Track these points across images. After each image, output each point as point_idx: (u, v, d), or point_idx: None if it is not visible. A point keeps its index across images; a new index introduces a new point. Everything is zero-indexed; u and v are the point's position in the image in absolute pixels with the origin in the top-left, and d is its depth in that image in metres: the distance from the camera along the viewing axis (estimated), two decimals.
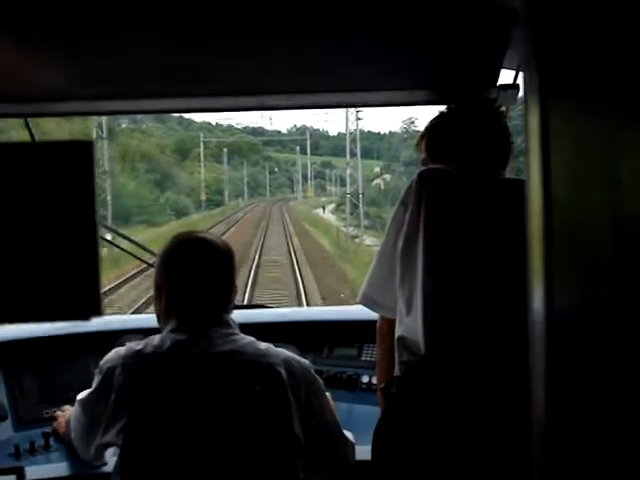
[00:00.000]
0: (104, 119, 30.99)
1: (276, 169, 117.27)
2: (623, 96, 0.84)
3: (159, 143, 68.61)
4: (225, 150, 79.40)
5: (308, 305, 13.52)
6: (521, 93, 2.30)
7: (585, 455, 0.85)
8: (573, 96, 0.84)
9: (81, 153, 0.94)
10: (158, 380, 1.90)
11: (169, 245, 2.05)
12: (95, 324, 3.01)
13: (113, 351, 2.00)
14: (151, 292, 2.26)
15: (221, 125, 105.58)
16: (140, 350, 1.94)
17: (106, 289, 14.72)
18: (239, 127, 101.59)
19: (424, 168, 2.15)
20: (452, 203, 2.04)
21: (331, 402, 2.23)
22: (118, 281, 16.81)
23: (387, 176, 64.80)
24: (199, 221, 40.52)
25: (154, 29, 1.83)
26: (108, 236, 5.35)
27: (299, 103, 2.52)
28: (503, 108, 2.35)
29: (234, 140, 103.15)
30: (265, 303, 9.99)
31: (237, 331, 2.00)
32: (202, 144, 69.01)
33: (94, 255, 0.94)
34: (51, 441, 2.47)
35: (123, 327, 2.88)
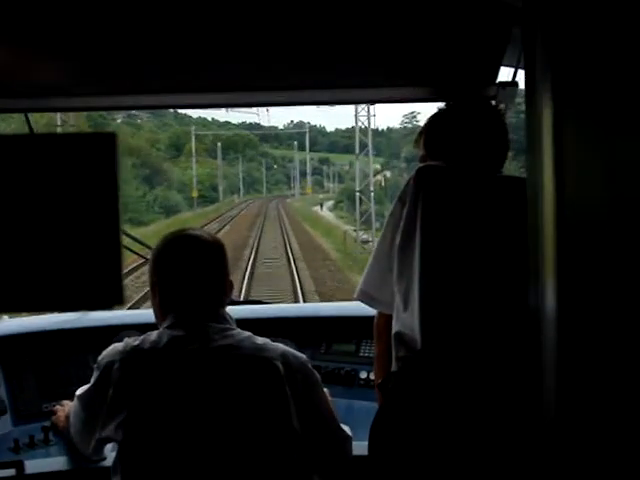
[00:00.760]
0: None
1: (273, 165, 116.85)
2: (627, 93, 0.86)
3: (149, 137, 66.12)
4: (219, 144, 77.77)
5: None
6: (521, 88, 2.32)
7: (594, 448, 0.88)
8: (582, 94, 0.86)
9: (105, 144, 0.97)
10: (156, 375, 1.92)
11: (159, 243, 2.08)
12: (94, 319, 3.05)
13: (111, 346, 2.03)
14: (148, 287, 2.28)
15: (217, 120, 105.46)
16: (138, 345, 1.97)
17: None
18: (235, 123, 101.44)
19: (422, 165, 2.18)
20: (449, 200, 2.06)
21: (329, 397, 2.26)
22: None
23: (387, 173, 63.94)
24: (190, 219, 38.48)
25: (153, 25, 1.84)
26: None
27: (298, 99, 2.55)
28: (502, 106, 2.38)
29: (230, 135, 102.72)
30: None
31: (234, 326, 2.03)
32: (194, 137, 66.91)
33: (117, 245, 0.97)
34: (50, 435, 2.49)
35: (122, 322, 2.90)
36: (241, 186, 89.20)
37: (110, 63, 2.16)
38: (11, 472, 2.23)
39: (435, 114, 2.27)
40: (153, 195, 49.02)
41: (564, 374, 0.87)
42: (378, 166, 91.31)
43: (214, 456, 1.87)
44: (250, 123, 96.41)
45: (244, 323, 2.09)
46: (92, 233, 0.97)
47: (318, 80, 2.43)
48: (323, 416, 2.06)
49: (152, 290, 2.08)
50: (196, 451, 1.87)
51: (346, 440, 2.15)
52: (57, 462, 2.36)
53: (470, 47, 2.11)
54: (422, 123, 2.39)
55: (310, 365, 2.06)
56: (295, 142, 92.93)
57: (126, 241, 3.27)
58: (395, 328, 2.10)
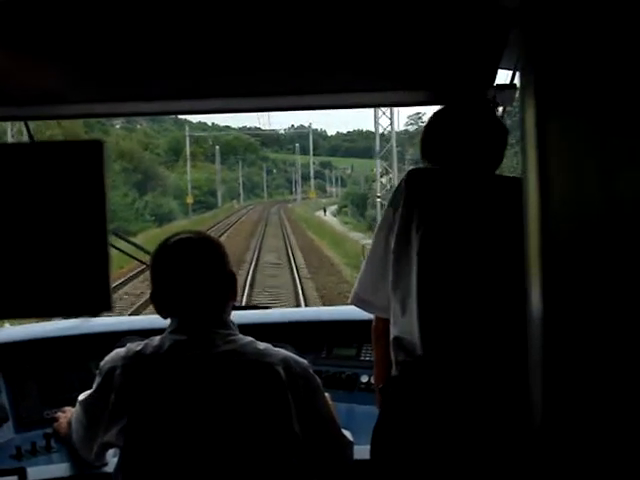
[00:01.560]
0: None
1: (274, 170, 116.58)
2: (620, 96, 0.86)
3: (141, 140, 63.38)
4: (217, 148, 75.98)
5: None
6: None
7: (582, 451, 0.91)
8: (570, 96, 0.89)
9: (92, 152, 0.98)
10: (158, 381, 1.94)
11: (157, 248, 2.08)
12: (95, 326, 3.08)
13: (113, 352, 2.04)
14: (148, 293, 2.30)
15: (217, 125, 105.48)
16: (140, 351, 1.98)
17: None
18: (236, 127, 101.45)
19: (412, 168, 2.22)
20: (441, 203, 2.08)
21: (330, 402, 2.27)
22: (117, 282, 16.72)
23: (390, 176, 63.43)
24: (185, 227, 33.66)
25: (153, 31, 1.86)
26: None
27: (299, 104, 2.57)
28: (500, 108, 2.40)
29: (230, 139, 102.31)
30: None
31: (236, 332, 2.04)
32: (188, 140, 65.37)
33: (104, 252, 0.98)
34: (52, 442, 2.51)
35: (123, 328, 2.93)
36: (241, 191, 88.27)
37: (110, 70, 2.18)
38: (13, 479, 2.24)
39: (431, 117, 2.30)
40: (143, 202, 45.53)
41: (550, 375, 0.88)
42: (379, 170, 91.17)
43: (215, 461, 1.89)
44: (251, 128, 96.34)
45: (246, 328, 2.11)
46: (79, 240, 0.98)
47: (319, 85, 2.44)
48: (324, 421, 2.07)
49: (151, 296, 2.08)
50: (197, 456, 1.88)
51: (347, 446, 2.17)
52: (59, 469, 2.38)
53: (468, 50, 2.12)
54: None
55: (312, 370, 2.07)
56: (297, 145, 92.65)
57: (125, 247, 3.31)
58: (393, 333, 2.11)
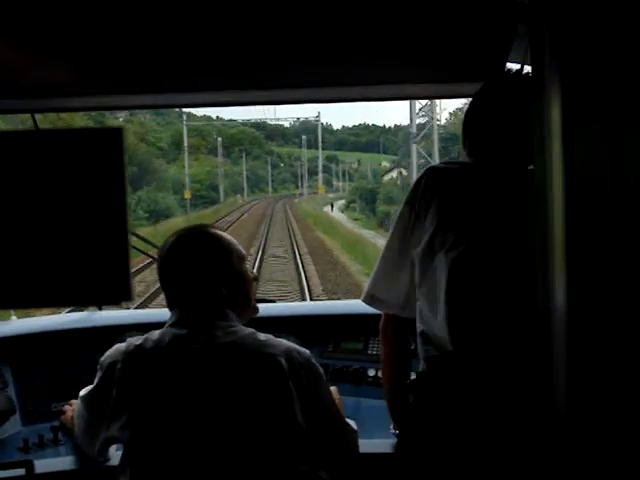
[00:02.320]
0: None
1: (279, 163, 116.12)
2: (634, 89, 0.89)
3: (138, 131, 60.05)
4: (220, 139, 74.16)
5: None
6: None
7: (604, 444, 0.92)
8: (594, 92, 0.90)
9: (111, 140, 1.00)
10: (159, 374, 1.96)
11: (166, 240, 2.13)
12: (103, 319, 3.11)
13: (114, 347, 2.08)
14: (155, 286, 2.33)
15: (222, 118, 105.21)
16: (140, 345, 2.01)
17: None
18: (241, 120, 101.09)
19: (431, 166, 2.19)
20: (462, 201, 2.06)
21: (337, 395, 2.30)
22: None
23: (402, 170, 61.94)
24: (181, 225, 27.05)
25: (160, 21, 1.87)
26: None
27: (316, 97, 2.57)
28: None
29: (234, 132, 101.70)
30: None
31: (237, 323, 2.06)
32: (185, 128, 61.34)
33: (124, 241, 1.00)
34: (59, 435, 2.54)
35: (130, 322, 2.96)
36: (245, 185, 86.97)
37: (116, 62, 2.19)
38: (21, 472, 2.28)
39: (470, 103, 2.22)
40: (136, 197, 43.49)
41: (574, 368, 0.91)
42: (386, 164, 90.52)
43: (219, 453, 1.91)
44: (256, 121, 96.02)
45: (251, 321, 2.13)
46: (100, 229, 0.99)
47: (335, 78, 2.44)
48: (328, 411, 2.09)
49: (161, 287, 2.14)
50: (200, 448, 1.91)
51: (352, 434, 2.18)
52: (66, 461, 2.40)
53: (476, 44, 2.14)
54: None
55: (314, 360, 2.09)
56: (304, 137, 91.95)
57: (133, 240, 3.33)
58: (420, 327, 2.11)
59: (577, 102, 0.91)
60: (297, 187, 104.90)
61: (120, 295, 1.02)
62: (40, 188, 0.99)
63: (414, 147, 27.71)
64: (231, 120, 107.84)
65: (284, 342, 2.06)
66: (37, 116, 2.75)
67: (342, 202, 67.76)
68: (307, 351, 2.09)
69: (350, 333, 3.11)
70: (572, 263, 0.90)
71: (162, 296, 2.24)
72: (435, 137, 32.07)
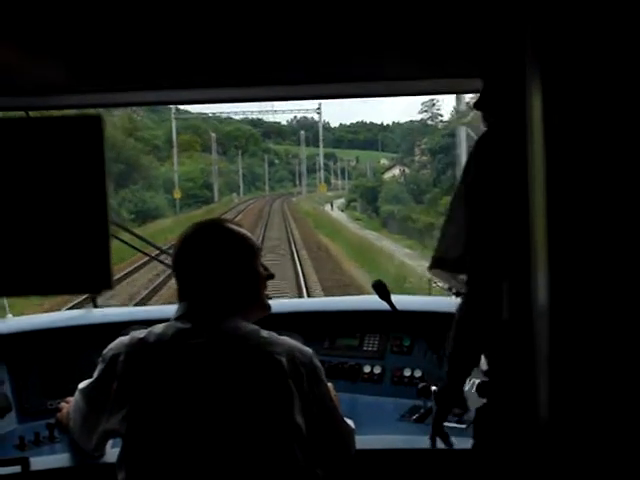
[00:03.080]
0: None
1: (276, 161, 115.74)
2: (622, 89, 0.93)
3: (126, 126, 56.69)
4: (214, 135, 71.79)
5: None
6: None
7: (588, 442, 0.94)
8: (575, 89, 0.92)
9: (90, 127, 1.00)
10: (161, 368, 1.98)
11: (183, 232, 2.16)
12: (99, 316, 3.15)
13: (117, 340, 2.10)
14: (152, 285, 2.34)
15: (218, 116, 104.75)
16: (143, 338, 2.03)
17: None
18: (237, 118, 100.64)
19: (481, 135, 2.17)
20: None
21: (333, 392, 2.31)
22: (121, 274, 16.64)
23: (404, 168, 60.29)
24: (168, 228, 28.03)
25: (153, 19, 1.87)
26: None
27: (316, 93, 2.57)
28: None
29: (230, 130, 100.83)
30: None
31: (242, 320, 2.08)
32: (174, 123, 57.80)
33: (104, 229, 1.00)
34: (55, 432, 2.58)
35: (126, 319, 2.99)
36: (241, 184, 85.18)
37: (112, 59, 2.19)
38: (17, 469, 2.30)
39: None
40: (119, 198, 40.42)
41: (557, 370, 0.93)
42: (385, 161, 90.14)
43: (217, 449, 1.94)
44: (252, 119, 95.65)
45: None
46: (80, 217, 1.00)
47: (335, 73, 2.43)
48: (328, 411, 2.12)
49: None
50: (198, 444, 1.93)
51: (350, 434, 2.22)
52: (62, 459, 2.43)
53: (476, 39, 2.15)
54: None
55: (316, 360, 2.11)
56: (302, 132, 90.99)
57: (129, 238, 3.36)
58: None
59: (558, 98, 0.93)
60: (295, 185, 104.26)
61: (100, 284, 1.02)
62: (18, 176, 1.00)
63: (463, 130, 25.95)
64: (228, 117, 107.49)
65: (287, 341, 2.08)
66: (32, 114, 2.76)
67: (341, 201, 66.83)
68: (310, 350, 2.10)
69: (346, 330, 3.14)
70: (554, 263, 0.92)
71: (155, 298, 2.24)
72: (464, 137, 29.93)
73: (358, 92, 2.63)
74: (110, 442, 2.24)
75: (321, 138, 66.18)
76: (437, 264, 2.19)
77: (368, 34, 2.04)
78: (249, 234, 2.18)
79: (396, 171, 62.73)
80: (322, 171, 70.98)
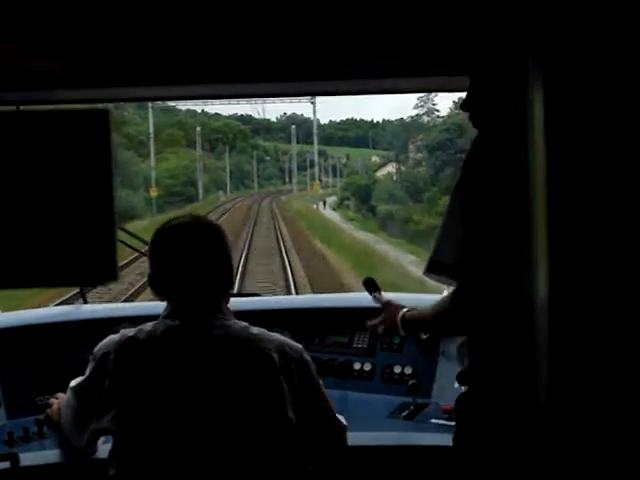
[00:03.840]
0: None
1: (266, 157, 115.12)
2: (623, 91, 0.96)
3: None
4: (198, 129, 69.65)
5: None
6: None
7: (587, 433, 0.97)
8: (577, 92, 0.95)
9: (98, 121, 1.03)
10: (151, 366, 2.02)
11: (155, 233, 2.16)
12: (88, 312, 3.18)
13: (107, 338, 2.12)
14: (142, 281, 2.35)
15: (207, 112, 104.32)
16: (133, 336, 2.06)
17: None
18: (226, 115, 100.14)
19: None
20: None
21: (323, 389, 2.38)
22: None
23: (399, 165, 59.00)
24: (143, 229, 21.11)
25: (150, 14, 1.87)
26: None
27: (309, 90, 2.59)
28: None
29: (218, 125, 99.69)
30: None
31: (231, 317, 2.11)
32: (151, 116, 54.67)
33: (110, 222, 1.04)
34: (44, 428, 2.60)
35: (115, 315, 3.02)
36: (228, 181, 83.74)
37: (107, 54, 2.19)
38: (6, 465, 2.33)
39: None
40: None
41: (556, 364, 0.96)
42: (376, 159, 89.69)
43: (208, 446, 1.97)
44: (242, 115, 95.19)
45: (239, 315, 2.18)
46: (86, 210, 1.03)
47: (327, 71, 2.43)
48: (320, 406, 2.16)
49: (149, 279, 2.16)
50: (190, 440, 1.97)
51: (342, 430, 2.25)
52: (52, 455, 2.46)
53: (470, 37, 2.18)
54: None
55: (307, 355, 2.14)
56: (293, 126, 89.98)
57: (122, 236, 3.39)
58: None
59: (575, 103, 0.95)
60: (284, 183, 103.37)
61: (106, 275, 1.06)
62: (26, 169, 1.02)
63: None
64: (216, 114, 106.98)
65: (277, 336, 2.11)
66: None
67: (333, 199, 65.87)
68: (300, 346, 2.14)
69: (336, 327, 3.18)
70: (554, 257, 0.94)
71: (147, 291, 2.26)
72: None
73: (353, 89, 2.65)
74: (102, 438, 2.27)
75: (315, 132, 62.79)
76: (433, 268, 2.16)
77: (362, 31, 2.05)
78: (218, 225, 2.23)
79: (389, 168, 61.77)
80: (317, 167, 66.20)
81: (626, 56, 0.92)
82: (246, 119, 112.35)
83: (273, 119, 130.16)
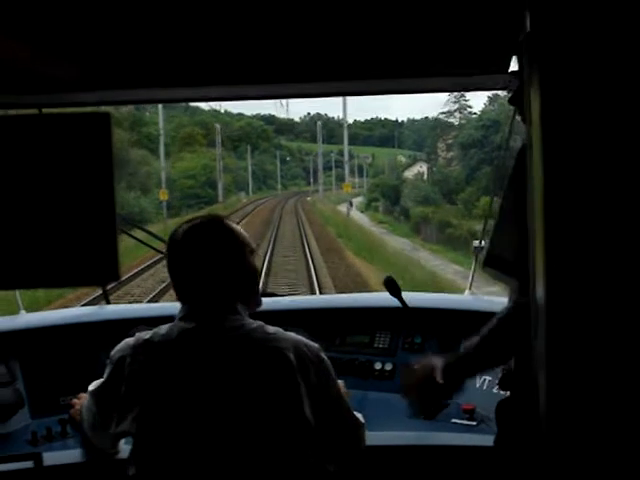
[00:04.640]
0: None
1: (288, 158, 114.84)
2: (622, 90, 0.99)
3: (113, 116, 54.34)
4: (218, 127, 67.22)
5: None
6: None
7: (586, 435, 0.99)
8: (574, 90, 0.97)
9: (99, 124, 1.06)
10: (167, 368, 2.05)
11: (170, 235, 2.18)
12: (111, 313, 3.24)
13: (123, 342, 2.16)
14: (164, 283, 2.38)
15: (230, 112, 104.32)
16: (149, 339, 2.10)
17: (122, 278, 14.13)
18: (249, 114, 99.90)
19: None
20: None
21: (344, 389, 2.37)
22: (134, 271, 16.84)
23: (428, 164, 58.04)
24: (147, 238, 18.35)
25: (165, 16, 1.90)
26: None
27: (337, 90, 2.59)
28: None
29: (241, 125, 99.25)
30: None
31: (245, 317, 2.14)
32: (161, 114, 50.88)
33: (112, 223, 1.06)
34: (68, 428, 2.67)
35: (138, 316, 3.07)
36: (250, 181, 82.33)
37: (122, 56, 2.23)
38: (29, 464, 2.37)
39: None
40: None
41: (555, 367, 0.98)
42: (402, 158, 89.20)
43: (226, 446, 2.00)
44: (265, 115, 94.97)
45: (259, 315, 2.20)
46: (88, 211, 1.05)
47: (355, 71, 2.43)
48: (337, 404, 2.17)
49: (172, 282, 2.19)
50: (208, 441, 2.00)
51: (360, 427, 2.27)
52: (74, 454, 2.51)
53: (482, 36, 2.23)
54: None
55: (323, 354, 2.16)
56: (319, 122, 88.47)
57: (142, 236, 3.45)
58: None
59: (572, 101, 0.97)
60: (308, 184, 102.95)
61: (108, 276, 1.08)
62: (28, 171, 1.05)
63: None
64: (240, 114, 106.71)
65: (293, 336, 2.13)
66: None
67: (359, 199, 64.63)
68: (316, 345, 2.16)
69: (356, 327, 3.21)
70: (551, 259, 0.96)
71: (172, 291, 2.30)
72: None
73: (379, 89, 2.65)
74: (123, 440, 2.32)
75: (346, 131, 57.15)
76: (491, 262, 2.05)
77: (388, 30, 2.06)
78: (243, 231, 2.21)
79: (418, 168, 60.64)
80: (347, 167, 60.37)
81: (626, 56, 0.95)
82: (269, 119, 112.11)
83: (297, 119, 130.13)
